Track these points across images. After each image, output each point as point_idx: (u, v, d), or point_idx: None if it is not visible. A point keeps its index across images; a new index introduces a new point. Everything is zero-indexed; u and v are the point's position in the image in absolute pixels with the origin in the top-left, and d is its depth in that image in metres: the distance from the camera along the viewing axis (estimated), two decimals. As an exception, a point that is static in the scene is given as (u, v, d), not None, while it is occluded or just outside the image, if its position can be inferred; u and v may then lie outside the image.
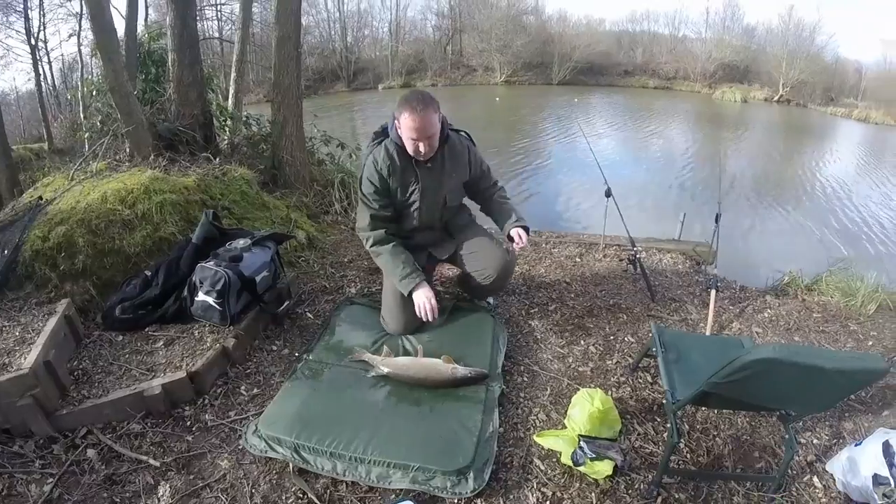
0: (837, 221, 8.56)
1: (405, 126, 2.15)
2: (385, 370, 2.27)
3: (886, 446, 1.75)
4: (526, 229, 2.45)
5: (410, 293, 2.36)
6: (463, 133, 2.49)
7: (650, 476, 1.87)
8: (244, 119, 5.09)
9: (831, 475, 1.92)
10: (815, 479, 1.92)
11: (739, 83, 28.94)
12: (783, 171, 12.07)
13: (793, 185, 10.73)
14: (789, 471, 1.88)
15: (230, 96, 5.98)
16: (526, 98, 24.47)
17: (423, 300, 2.33)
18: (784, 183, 10.91)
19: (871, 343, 2.81)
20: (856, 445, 1.87)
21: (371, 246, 2.44)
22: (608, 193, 3.37)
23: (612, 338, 2.71)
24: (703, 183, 9.99)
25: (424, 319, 2.36)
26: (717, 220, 3.12)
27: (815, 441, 2.10)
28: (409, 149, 2.23)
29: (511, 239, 2.46)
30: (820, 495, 1.86)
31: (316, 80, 28.73)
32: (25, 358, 1.97)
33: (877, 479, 1.71)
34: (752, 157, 13.55)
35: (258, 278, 2.54)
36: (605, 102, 23.56)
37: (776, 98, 27.13)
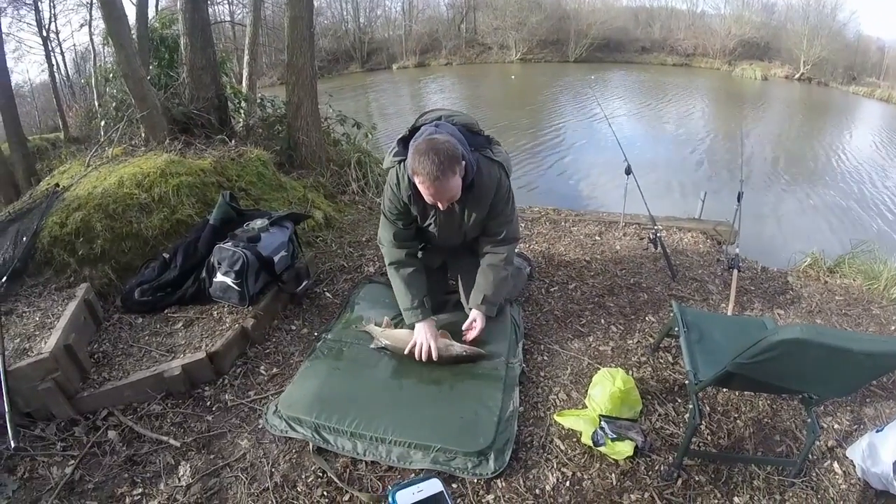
0: (860, 203, 8.38)
1: (420, 188, 1.96)
2: (384, 342, 2.27)
3: None
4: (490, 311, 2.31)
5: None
6: (497, 162, 2.15)
7: (671, 457, 1.85)
8: (258, 101, 5.09)
9: (851, 461, 1.89)
10: (836, 464, 1.89)
11: (759, 60, 28.20)
12: (805, 151, 11.81)
13: (815, 165, 10.52)
14: (809, 456, 1.85)
15: (244, 79, 5.98)
16: (542, 76, 24.13)
17: (422, 339, 2.18)
18: (806, 163, 10.69)
19: (893, 328, 2.75)
20: (877, 432, 1.84)
21: (388, 264, 2.35)
22: (628, 171, 3.31)
23: (632, 317, 2.67)
24: (723, 161, 9.83)
25: (417, 358, 2.19)
26: (738, 199, 3.05)
27: (835, 426, 2.07)
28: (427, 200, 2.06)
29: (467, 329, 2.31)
30: (840, 481, 1.83)
31: (330, 61, 28.59)
32: (46, 342, 1.99)
33: None
34: (774, 136, 13.28)
35: (276, 258, 2.54)
36: (622, 80, 23.16)
37: (797, 76, 26.43)
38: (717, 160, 10.06)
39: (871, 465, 1.77)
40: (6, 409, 1.79)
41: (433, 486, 0.82)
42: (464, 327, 2.30)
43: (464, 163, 1.95)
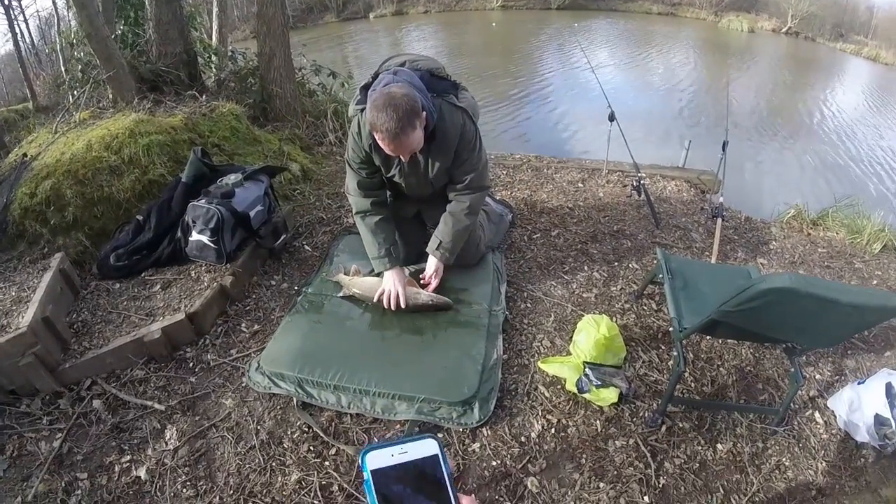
0: (844, 158, 8.41)
1: (380, 143, 1.90)
2: (353, 290, 2.26)
3: (889, 388, 1.75)
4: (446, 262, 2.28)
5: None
6: (461, 108, 2.07)
7: (655, 404, 1.88)
8: (230, 54, 4.90)
9: (832, 412, 1.92)
10: (817, 414, 1.93)
11: (747, 12, 27.66)
12: (790, 105, 11.75)
13: (800, 119, 10.48)
14: (792, 405, 1.88)
15: (213, 32, 5.74)
16: (524, 23, 23.51)
17: (390, 287, 2.16)
18: (791, 116, 10.66)
19: (875, 282, 2.78)
20: (858, 384, 1.87)
21: (355, 213, 2.30)
22: (611, 118, 3.25)
23: (615, 264, 2.67)
24: (708, 111, 9.76)
25: (385, 306, 2.16)
26: (723, 148, 3.01)
27: (817, 376, 2.10)
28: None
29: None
30: (821, 431, 1.87)
31: (303, 10, 27.49)
32: (23, 317, 1.95)
33: (878, 419, 1.72)
34: (759, 88, 13.15)
35: (252, 213, 2.48)
36: (606, 28, 22.66)
37: (784, 30, 26.02)
38: (703, 110, 9.97)
39: (852, 416, 1.81)
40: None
41: (424, 447, 0.60)
42: (421, 276, 2.27)
43: (424, 113, 1.87)
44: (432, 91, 2.00)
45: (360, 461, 0.60)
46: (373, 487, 0.63)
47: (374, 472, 0.65)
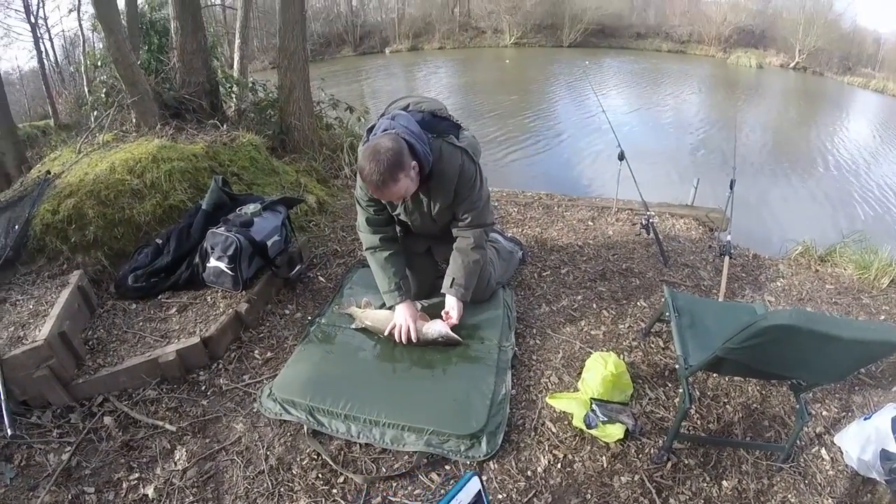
0: (852, 193, 8.38)
1: (368, 189, 2.03)
2: (364, 323, 2.30)
3: (895, 422, 1.74)
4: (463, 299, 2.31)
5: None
6: (461, 148, 2.13)
7: (661, 441, 1.88)
8: (250, 85, 5.03)
9: (839, 448, 1.91)
10: (823, 451, 1.92)
11: (755, 48, 28.04)
12: (799, 140, 11.80)
13: (808, 154, 10.49)
14: (798, 441, 1.88)
15: (235, 63, 5.90)
16: (536, 60, 23.94)
17: (401, 321, 2.21)
18: (799, 151, 10.68)
19: (882, 317, 2.77)
20: (864, 419, 1.86)
21: (365, 249, 2.36)
22: (621, 156, 3.32)
23: (624, 302, 2.69)
24: (716, 148, 9.81)
25: (396, 340, 2.21)
26: (731, 187, 3.07)
27: (824, 413, 2.09)
28: None
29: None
30: (827, 467, 1.86)
31: (322, 45, 28.20)
32: (40, 330, 1.99)
33: (885, 454, 1.71)
34: (768, 124, 13.26)
35: (269, 242, 2.54)
36: (617, 66, 22.98)
37: (792, 65, 26.32)
38: (711, 148, 10.03)
39: (858, 451, 1.79)
40: (2, 398, 1.79)
41: (471, 488, 0.70)
42: (442, 313, 2.30)
43: (413, 163, 1.95)
44: (433, 131, 2.08)
45: None
46: None
47: None
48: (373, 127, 2.10)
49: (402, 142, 1.91)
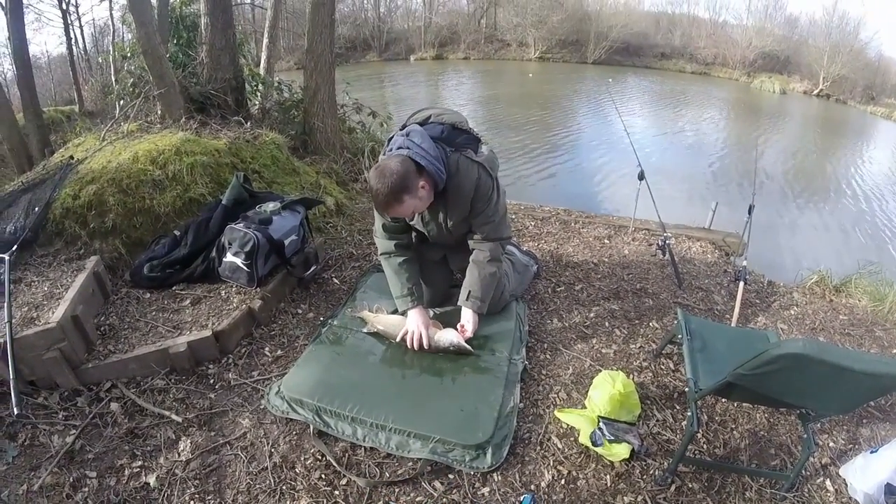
0: (871, 224, 8.28)
1: None
2: (376, 327, 2.31)
3: None
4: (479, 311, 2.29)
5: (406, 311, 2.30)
6: (478, 163, 2.13)
7: (666, 463, 1.86)
8: (276, 85, 5.09)
9: (844, 480, 1.89)
10: (828, 482, 1.89)
11: (779, 73, 27.90)
12: (819, 168, 11.68)
13: (828, 183, 10.39)
14: (803, 471, 1.85)
15: (262, 62, 5.98)
16: (559, 75, 23.98)
17: (414, 327, 2.22)
18: (819, 180, 10.58)
19: (895, 351, 2.73)
20: (871, 452, 1.84)
21: (380, 254, 2.38)
22: (641, 176, 3.31)
23: (636, 322, 2.68)
24: (736, 173, 9.74)
25: (409, 346, 2.23)
26: (749, 212, 3.04)
27: (831, 444, 2.06)
28: None
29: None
30: (831, 499, 1.83)
31: (348, 48, 28.53)
32: (53, 312, 2.01)
33: (889, 489, 1.69)
34: (789, 150, 13.13)
35: (287, 242, 2.56)
36: (640, 85, 22.97)
37: (816, 92, 26.13)
38: (731, 172, 9.96)
39: (863, 485, 1.77)
40: (11, 377, 1.81)
41: None
42: (458, 326, 2.30)
43: (422, 182, 1.98)
44: (452, 145, 2.11)
45: None
46: None
47: None
48: (391, 137, 2.14)
49: (409, 163, 1.94)
